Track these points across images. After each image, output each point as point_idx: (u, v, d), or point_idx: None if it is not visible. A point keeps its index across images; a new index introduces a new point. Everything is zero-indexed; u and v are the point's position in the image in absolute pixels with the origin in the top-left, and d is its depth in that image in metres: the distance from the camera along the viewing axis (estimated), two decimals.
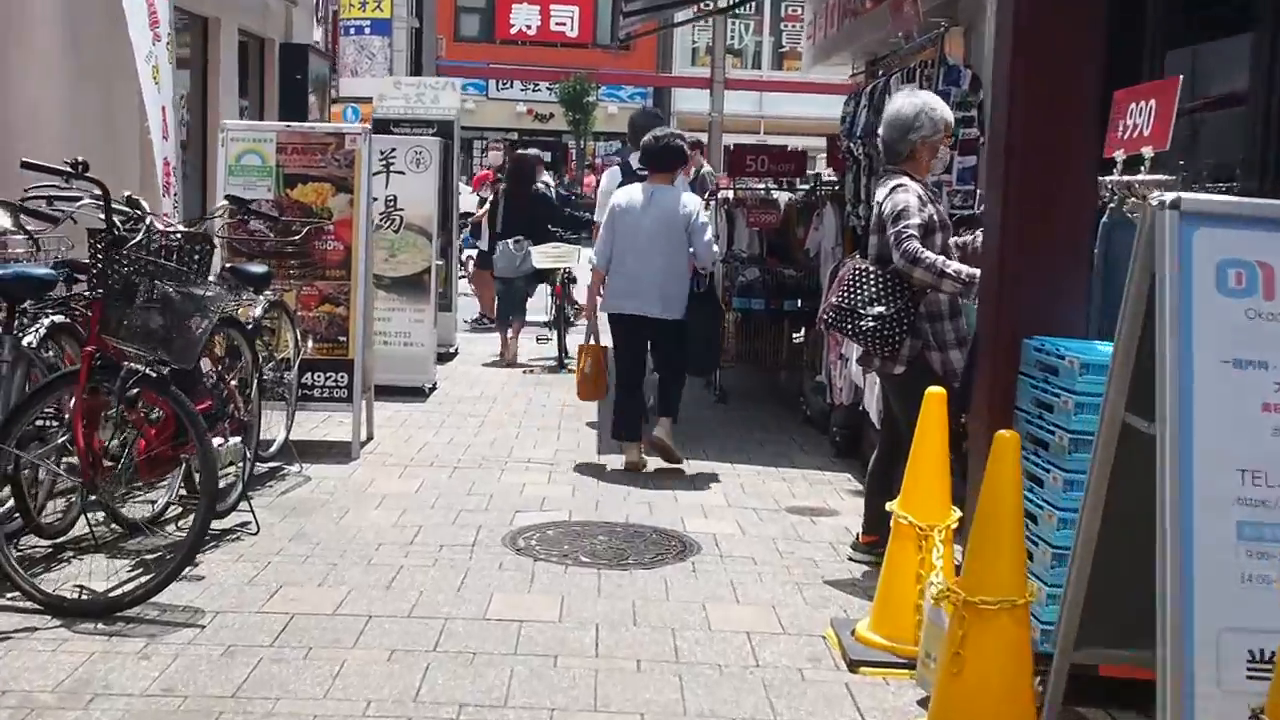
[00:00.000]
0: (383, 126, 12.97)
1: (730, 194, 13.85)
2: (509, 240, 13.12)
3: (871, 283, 5.88)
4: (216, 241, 7.51)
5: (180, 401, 5.07)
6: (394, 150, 10.74)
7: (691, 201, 8.17)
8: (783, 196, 14.80)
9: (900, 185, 5.89)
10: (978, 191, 8.00)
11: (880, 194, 5.97)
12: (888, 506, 4.76)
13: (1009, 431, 4.00)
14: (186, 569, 5.27)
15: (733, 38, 41.43)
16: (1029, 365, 4.75)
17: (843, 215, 10.97)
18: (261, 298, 7.27)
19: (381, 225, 10.66)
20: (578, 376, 8.81)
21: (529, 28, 42.47)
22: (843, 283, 6.02)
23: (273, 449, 7.56)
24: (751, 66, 43.55)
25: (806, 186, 15.10)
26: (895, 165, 6.04)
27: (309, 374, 8.03)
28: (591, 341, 8.62)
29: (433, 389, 10.85)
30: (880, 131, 6.16)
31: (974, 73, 8.57)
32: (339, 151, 8.16)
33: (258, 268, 7.23)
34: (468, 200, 16.80)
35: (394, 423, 9.30)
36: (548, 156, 36.09)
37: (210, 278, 7.34)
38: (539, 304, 13.98)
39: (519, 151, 15.00)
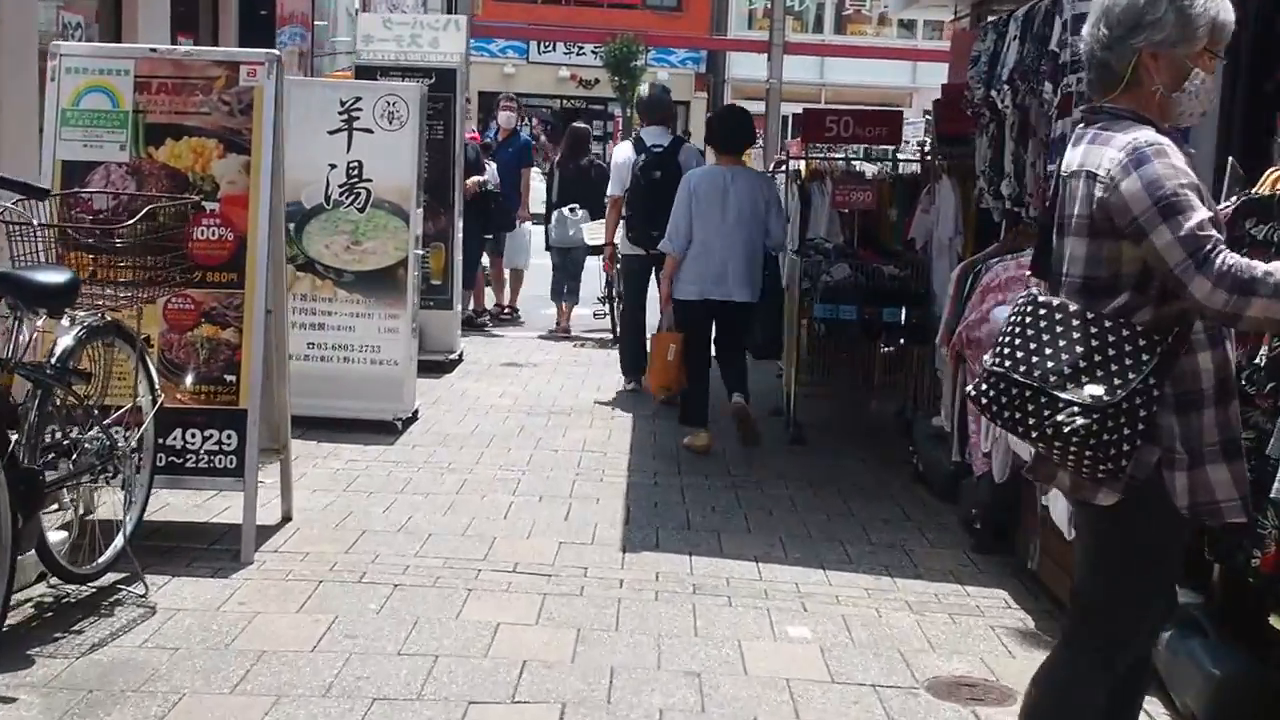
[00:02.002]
0: (369, 76, 10.23)
1: (801, 165, 10.98)
2: (564, 209, 12.36)
3: (1080, 336, 2.95)
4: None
5: None
6: (358, 100, 7.95)
7: (769, 183, 8.35)
8: (867, 169, 12.04)
9: (1152, 145, 2.89)
10: None
11: (1101, 160, 2.97)
12: None
13: None
14: None
15: None
16: None
17: (964, 194, 8.12)
18: (68, 323, 4.47)
19: (341, 202, 7.90)
20: (657, 366, 8.13)
21: None
22: (1018, 334, 3.09)
23: (102, 559, 4.78)
24: (812, 31, 40.44)
25: (904, 155, 12.32)
26: (1110, 100, 3.09)
27: (177, 433, 5.24)
28: (667, 329, 8.08)
29: (411, 420, 8.09)
30: (1084, 32, 3.21)
31: None
32: (230, 90, 5.35)
33: (52, 275, 4.33)
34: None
35: (336, 484, 6.53)
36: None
37: None
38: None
39: (574, 124, 13.74)
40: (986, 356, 3.11)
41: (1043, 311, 3.04)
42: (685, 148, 9.05)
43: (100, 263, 4.68)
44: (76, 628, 4.40)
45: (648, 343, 8.86)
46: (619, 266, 10.06)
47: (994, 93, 6.63)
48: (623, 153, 9.56)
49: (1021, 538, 5.65)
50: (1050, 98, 5.92)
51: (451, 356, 10.42)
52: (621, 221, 9.38)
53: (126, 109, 5.29)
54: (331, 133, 7.92)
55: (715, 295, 7.66)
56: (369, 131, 7.92)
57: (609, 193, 9.74)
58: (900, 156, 12.82)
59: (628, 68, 35.94)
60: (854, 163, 11.75)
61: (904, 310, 8.13)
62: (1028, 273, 5.91)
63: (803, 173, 10.80)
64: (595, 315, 12.65)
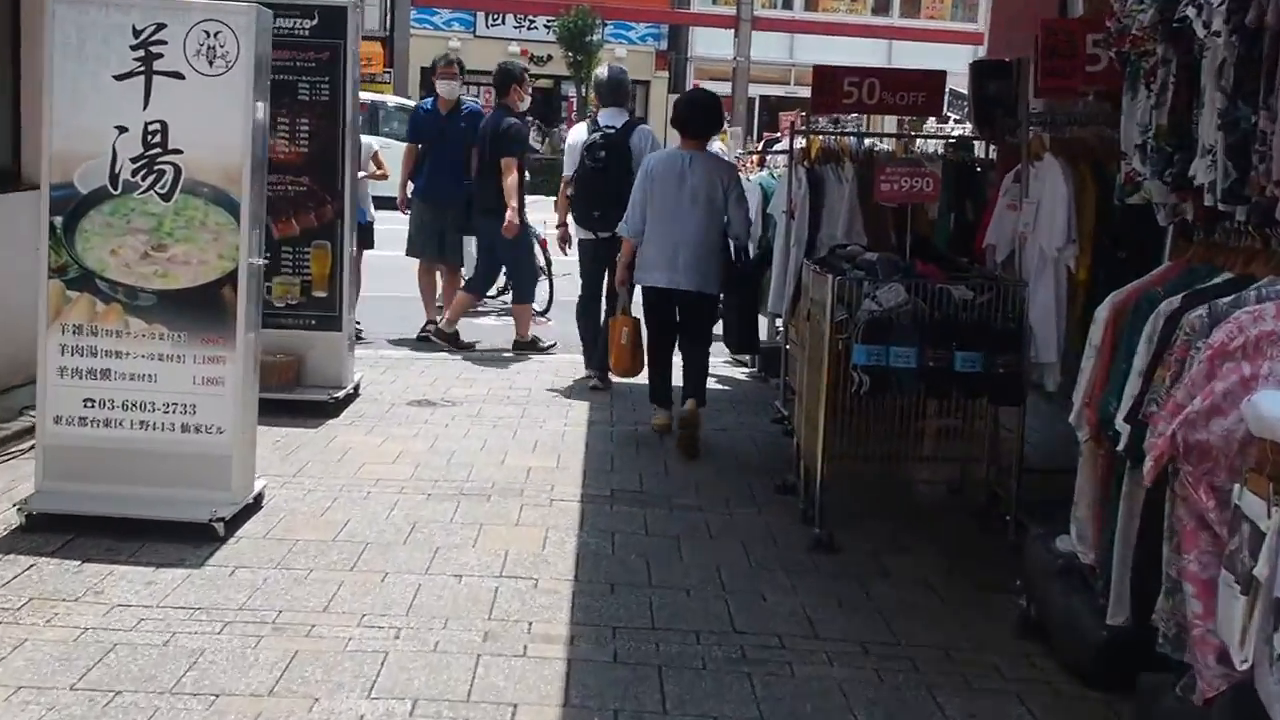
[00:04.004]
0: None
1: (801, 142, 8.30)
2: None
3: None
4: None
5: None
6: (160, 29, 5.16)
7: (730, 169, 7.92)
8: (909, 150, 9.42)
9: None
10: None
11: None
12: None
13: None
14: None
15: None
16: None
17: (1078, 184, 5.48)
18: None
19: (136, 184, 5.17)
20: (614, 352, 7.89)
21: None
22: None
23: None
24: (782, 6, 37.72)
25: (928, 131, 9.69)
26: None
27: None
28: (622, 314, 7.82)
29: (248, 512, 5.36)
30: None
31: None
32: None
33: None
34: None
35: (61, 674, 3.77)
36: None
37: None
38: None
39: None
40: None
41: None
42: (639, 130, 8.61)
43: None
44: None
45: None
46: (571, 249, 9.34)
47: (1190, 10, 3.92)
48: (576, 134, 9.05)
49: None
50: None
51: (337, 395, 7.69)
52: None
53: None
54: (120, 78, 5.16)
55: (663, 283, 7.25)
56: (177, 77, 5.16)
57: (564, 174, 9.04)
58: (918, 132, 10.23)
59: (582, 43, 33.05)
60: (869, 140, 9.16)
61: (984, 355, 5.43)
62: None
63: (811, 153, 8.10)
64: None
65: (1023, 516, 5.55)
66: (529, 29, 35.95)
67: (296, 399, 7.57)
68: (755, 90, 34.41)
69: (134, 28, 5.13)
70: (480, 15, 35.82)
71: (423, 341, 10.13)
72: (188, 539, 4.99)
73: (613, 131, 8.46)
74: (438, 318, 10.28)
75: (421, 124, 10.48)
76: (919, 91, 7.85)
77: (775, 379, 8.85)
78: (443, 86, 10.33)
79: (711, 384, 8.51)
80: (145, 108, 5.15)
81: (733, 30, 32.60)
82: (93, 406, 5.22)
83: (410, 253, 10.40)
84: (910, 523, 5.94)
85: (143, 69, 5.14)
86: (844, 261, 5.91)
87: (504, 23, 35.98)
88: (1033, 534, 4.77)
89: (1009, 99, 8.05)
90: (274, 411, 7.26)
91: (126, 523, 5.03)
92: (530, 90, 10.25)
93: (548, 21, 34.18)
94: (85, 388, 5.22)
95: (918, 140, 9.72)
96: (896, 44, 35.51)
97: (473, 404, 8.08)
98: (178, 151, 5.16)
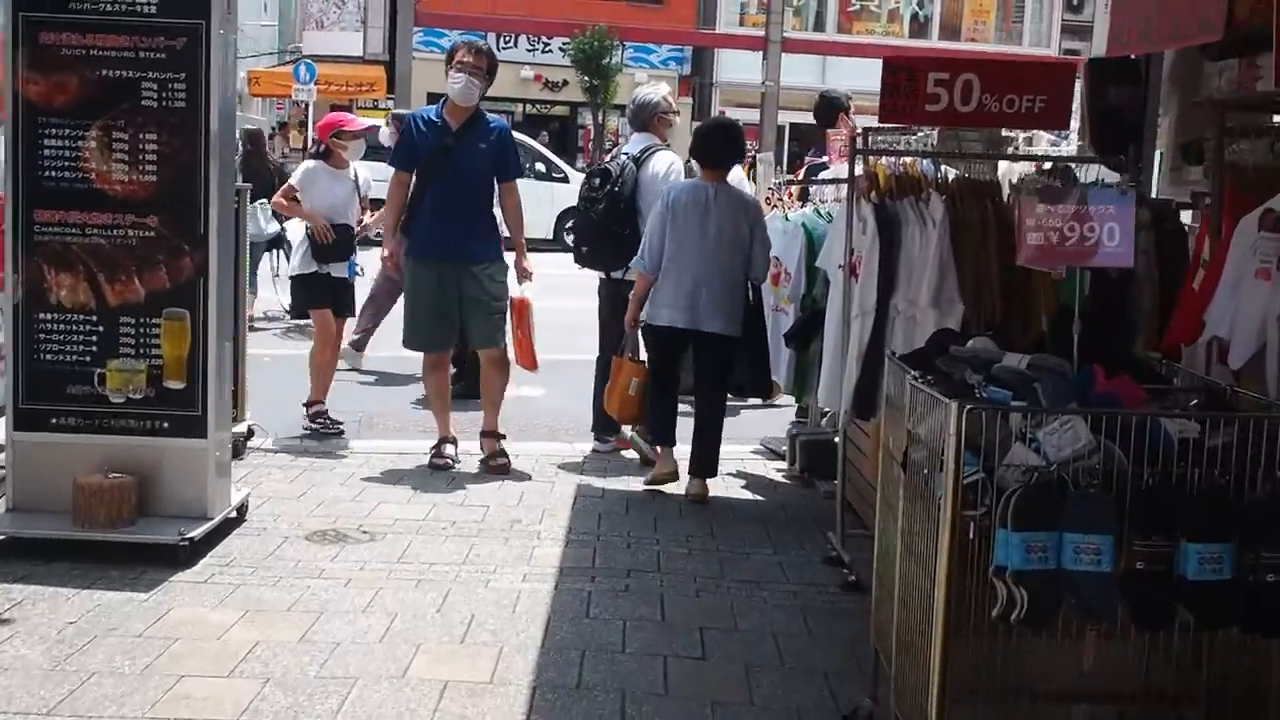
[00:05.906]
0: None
1: (861, 166, 5.91)
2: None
3: None
4: None
5: None
6: None
7: (754, 204, 7.21)
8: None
9: None
10: None
11: None
12: None
13: None
14: None
15: None
16: None
17: None
18: None
19: None
20: (617, 396, 6.99)
21: None
22: None
23: None
24: (813, 28, 35.38)
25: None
26: None
27: None
28: (630, 356, 7.12)
29: None
30: None
31: None
32: None
33: None
34: None
35: None
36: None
37: None
38: None
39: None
40: None
41: None
42: (657, 158, 7.42)
43: None
44: None
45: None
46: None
47: None
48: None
49: None
50: None
51: (193, 535, 5.29)
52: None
53: None
54: None
55: (681, 323, 6.69)
56: None
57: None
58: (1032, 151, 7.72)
59: (599, 66, 30.72)
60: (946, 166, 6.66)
61: (1234, 549, 2.93)
62: None
63: (881, 182, 5.63)
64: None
65: None
66: (543, 52, 33.69)
67: (135, 540, 5.21)
68: (785, 117, 32.08)
69: None
70: (491, 37, 33.53)
71: (436, 470, 6.95)
72: None
73: (623, 159, 7.53)
74: (455, 437, 7.20)
75: (417, 142, 7.01)
76: (1037, 94, 5.49)
77: (824, 484, 6.51)
78: (456, 84, 6.93)
79: (738, 489, 6.86)
80: None
81: (761, 53, 30.31)
82: None
83: (410, 343, 7.20)
84: None
85: None
86: (966, 368, 3.41)
87: (516, 45, 33.71)
88: None
89: (1136, 108, 6.00)
90: (102, 559, 5.03)
91: None
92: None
93: (563, 44, 31.89)
94: None
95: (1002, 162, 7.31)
96: None
97: (400, 537, 5.71)
98: None
